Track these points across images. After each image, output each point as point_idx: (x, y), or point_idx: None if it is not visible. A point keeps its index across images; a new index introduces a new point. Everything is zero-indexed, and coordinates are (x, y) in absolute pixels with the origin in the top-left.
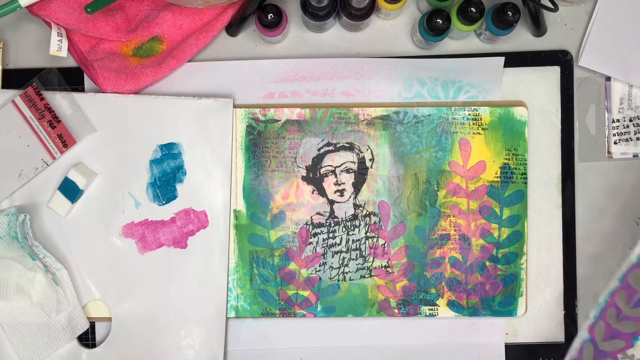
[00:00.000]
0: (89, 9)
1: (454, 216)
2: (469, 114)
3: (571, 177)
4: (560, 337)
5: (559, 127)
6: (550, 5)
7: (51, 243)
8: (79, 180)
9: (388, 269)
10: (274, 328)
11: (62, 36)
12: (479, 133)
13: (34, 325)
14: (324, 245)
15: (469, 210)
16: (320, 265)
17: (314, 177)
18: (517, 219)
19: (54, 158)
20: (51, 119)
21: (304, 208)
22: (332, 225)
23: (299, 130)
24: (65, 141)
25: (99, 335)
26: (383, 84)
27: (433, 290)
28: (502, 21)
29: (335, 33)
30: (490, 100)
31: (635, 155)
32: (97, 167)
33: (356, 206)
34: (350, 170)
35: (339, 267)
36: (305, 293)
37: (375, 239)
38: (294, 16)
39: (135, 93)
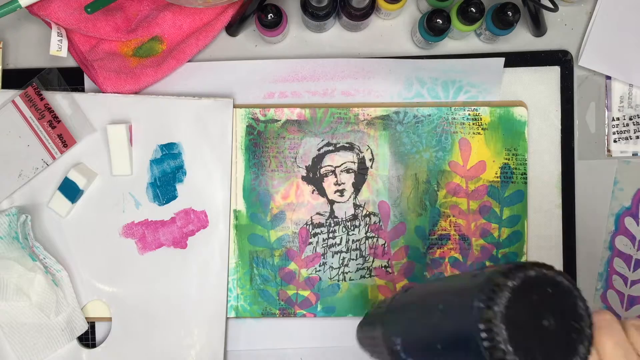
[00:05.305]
0: (89, 9)
1: (454, 216)
2: (469, 114)
3: (571, 176)
4: None
5: (559, 127)
6: (550, 5)
7: (51, 243)
8: (79, 180)
9: (388, 269)
10: (274, 328)
11: (62, 36)
12: (479, 133)
13: (33, 326)
14: (324, 245)
15: (469, 210)
16: (320, 265)
17: (314, 177)
18: (517, 219)
19: (54, 158)
20: (51, 119)
21: (304, 208)
22: (332, 225)
23: (299, 130)
24: (65, 141)
25: (99, 335)
26: (383, 84)
27: None
28: (502, 21)
29: (335, 33)
30: (490, 100)
31: (634, 154)
32: (97, 167)
33: (356, 206)
34: (350, 170)
35: (339, 267)
36: (305, 293)
37: (375, 239)
38: (294, 16)
39: (135, 93)
